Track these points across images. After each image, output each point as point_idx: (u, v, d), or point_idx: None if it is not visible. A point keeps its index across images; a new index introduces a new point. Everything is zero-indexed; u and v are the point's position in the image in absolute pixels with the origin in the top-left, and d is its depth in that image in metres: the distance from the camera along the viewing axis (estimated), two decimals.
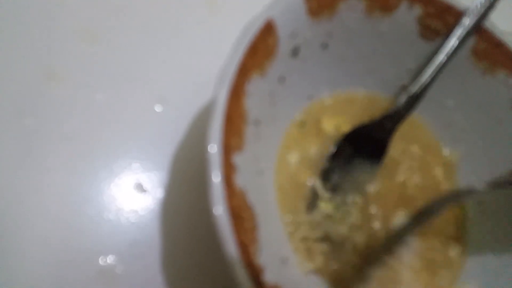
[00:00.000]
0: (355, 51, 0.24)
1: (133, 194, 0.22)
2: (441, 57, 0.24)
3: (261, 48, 0.19)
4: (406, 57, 0.25)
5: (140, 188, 0.22)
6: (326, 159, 0.23)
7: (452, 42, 0.24)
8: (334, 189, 0.23)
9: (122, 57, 0.25)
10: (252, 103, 0.19)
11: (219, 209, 0.16)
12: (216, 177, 0.16)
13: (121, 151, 0.23)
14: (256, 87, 0.19)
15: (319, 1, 0.21)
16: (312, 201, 0.22)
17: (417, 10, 0.24)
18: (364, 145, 0.24)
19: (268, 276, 0.16)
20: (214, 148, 0.16)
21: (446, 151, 0.27)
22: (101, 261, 0.21)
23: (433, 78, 0.24)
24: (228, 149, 0.17)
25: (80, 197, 0.22)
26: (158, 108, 0.24)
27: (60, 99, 0.23)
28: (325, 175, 0.23)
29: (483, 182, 0.26)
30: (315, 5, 0.21)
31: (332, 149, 0.24)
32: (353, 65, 0.25)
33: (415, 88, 0.23)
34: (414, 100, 0.23)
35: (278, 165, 0.22)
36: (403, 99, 0.24)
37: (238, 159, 0.18)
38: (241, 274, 0.15)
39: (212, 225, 0.16)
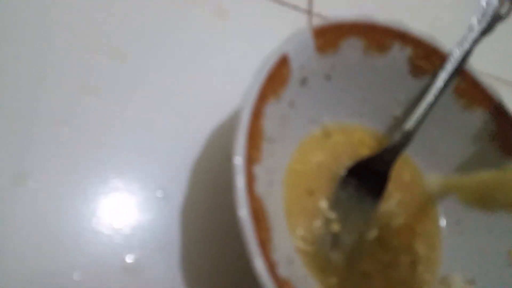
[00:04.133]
0: (354, 83, 0.28)
1: (156, 199, 0.25)
2: (429, 97, 0.27)
3: (276, 77, 0.22)
4: (397, 91, 0.29)
5: (162, 193, 0.25)
6: (334, 189, 0.26)
7: (438, 84, 0.27)
8: (341, 215, 0.26)
9: (147, 75, 0.27)
10: (268, 123, 0.22)
11: (243, 211, 0.18)
12: (240, 184, 0.19)
13: (146, 159, 0.25)
14: (271, 110, 0.23)
15: (325, 39, 0.25)
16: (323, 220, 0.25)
17: (408, 51, 0.28)
18: (367, 176, 0.27)
19: (281, 271, 0.19)
20: (239, 160, 0.19)
21: (429, 177, 0.30)
22: (126, 260, 0.23)
23: (424, 116, 0.27)
24: (249, 161, 0.20)
25: (107, 201, 0.24)
26: (179, 122, 0.27)
27: (92, 111, 0.25)
28: (335, 200, 0.26)
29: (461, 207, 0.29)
30: (322, 43, 0.25)
31: (338, 178, 0.27)
32: (351, 95, 0.28)
33: (409, 125, 0.27)
34: (409, 136, 0.27)
35: (286, 178, 0.25)
36: (398, 135, 0.27)
37: (257, 170, 0.20)
38: (260, 267, 0.18)
39: (235, 225, 0.18)
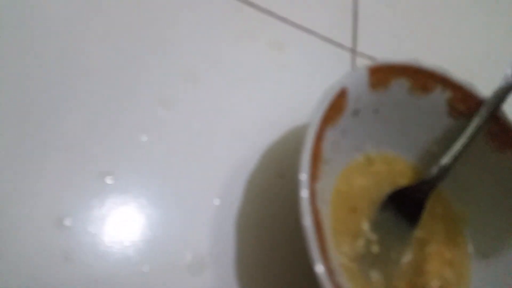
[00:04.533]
0: (398, 118, 0.31)
1: (215, 205, 0.27)
2: (465, 138, 0.30)
3: (336, 107, 0.25)
4: (435, 129, 0.32)
5: (219, 202, 0.27)
6: (375, 212, 0.29)
7: (473, 126, 0.30)
8: (381, 236, 0.28)
9: (214, 96, 0.31)
10: (325, 146, 0.25)
11: (308, 220, 0.21)
12: (305, 196, 0.21)
13: (207, 169, 0.28)
14: (329, 135, 0.25)
15: (378, 77, 0.28)
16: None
17: (448, 94, 0.31)
18: (405, 203, 0.29)
19: (337, 279, 0.21)
20: (304, 176, 0.22)
21: (457, 209, 0.32)
22: (185, 260, 0.25)
23: (460, 154, 0.30)
24: (313, 178, 0.22)
25: (168, 205, 0.27)
26: (237, 139, 0.30)
27: (168, 122, 0.28)
28: (376, 223, 0.28)
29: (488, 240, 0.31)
30: (375, 80, 0.28)
31: (378, 203, 0.29)
32: (394, 129, 0.31)
33: (445, 161, 0.29)
34: (445, 171, 0.29)
35: (332, 198, 0.28)
36: (436, 169, 0.29)
37: (316, 186, 0.23)
38: (322, 272, 0.20)
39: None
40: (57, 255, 0.23)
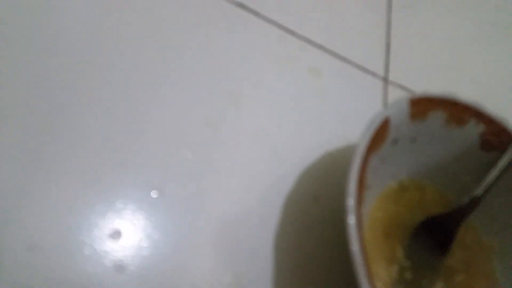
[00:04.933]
0: (432, 148, 0.32)
1: (253, 223, 0.28)
2: (496, 171, 0.30)
3: (379, 135, 0.26)
4: (467, 160, 0.33)
5: (258, 219, 0.28)
6: (408, 239, 0.30)
7: (505, 160, 0.31)
8: (414, 263, 0.29)
9: (254, 118, 0.32)
10: (367, 173, 0.26)
11: (356, 245, 0.22)
12: (352, 222, 0.22)
13: (246, 187, 0.29)
14: (371, 162, 0.26)
15: (418, 109, 0.29)
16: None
17: (481, 127, 0.32)
18: (436, 231, 0.30)
19: None
20: (351, 202, 0.23)
21: (486, 239, 0.33)
22: (226, 277, 0.26)
23: (491, 186, 0.30)
24: (359, 203, 0.23)
25: (210, 217, 0.28)
26: (275, 161, 0.31)
27: (210, 141, 0.29)
28: (408, 250, 0.29)
29: None
30: (415, 111, 0.29)
31: (411, 230, 0.30)
32: (428, 158, 0.32)
33: (477, 192, 0.30)
34: (477, 201, 0.30)
35: (368, 222, 0.28)
36: (468, 199, 0.30)
37: (362, 212, 0.24)
38: None
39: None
40: (108, 267, 0.24)
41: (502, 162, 0.31)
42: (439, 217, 0.30)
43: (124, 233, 0.25)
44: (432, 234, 0.30)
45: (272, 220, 0.29)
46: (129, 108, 0.28)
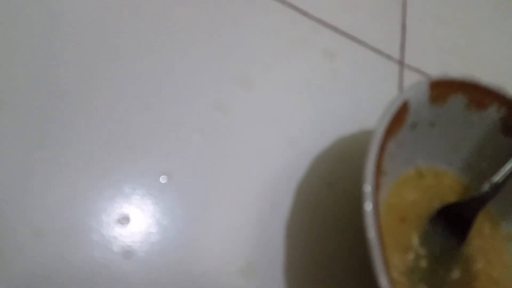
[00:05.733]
0: (451, 133, 0.30)
1: (265, 210, 0.27)
2: None
3: (398, 119, 0.25)
4: (487, 145, 0.31)
5: (270, 207, 0.28)
6: (424, 226, 0.29)
7: None
8: (429, 251, 0.28)
9: (267, 102, 0.31)
10: (385, 158, 0.25)
11: (372, 233, 0.21)
12: (369, 208, 0.21)
13: (258, 175, 0.28)
14: (389, 147, 0.25)
15: (438, 92, 0.28)
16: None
17: (503, 111, 0.30)
18: (454, 219, 0.29)
19: None
20: (368, 188, 0.22)
21: (505, 228, 0.32)
22: (236, 264, 0.25)
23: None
24: (376, 189, 0.22)
25: (223, 208, 0.27)
26: (288, 146, 0.30)
27: (221, 125, 0.28)
28: (424, 237, 0.28)
29: None
30: (435, 94, 0.28)
31: (427, 217, 0.29)
32: (447, 143, 0.31)
33: (498, 178, 0.29)
34: (497, 188, 0.29)
35: (383, 210, 0.27)
36: (487, 186, 0.29)
37: (379, 198, 0.23)
38: (385, 286, 0.20)
39: (362, 245, 0.21)
40: (116, 252, 0.23)
41: None
42: (456, 205, 0.29)
43: (133, 219, 0.24)
44: (449, 223, 0.29)
45: (284, 206, 0.28)
46: (138, 91, 0.27)
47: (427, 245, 0.28)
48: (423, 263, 0.28)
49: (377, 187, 0.23)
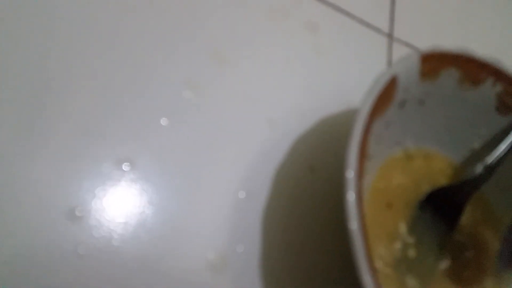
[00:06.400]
0: (442, 111, 0.28)
1: (240, 198, 0.25)
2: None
3: (385, 97, 0.23)
4: (480, 124, 0.29)
5: (245, 193, 0.25)
6: (412, 212, 0.27)
7: None
8: (418, 239, 0.26)
9: (243, 80, 0.28)
10: (370, 141, 0.23)
11: (354, 224, 0.18)
12: (351, 197, 0.19)
13: (232, 160, 0.26)
14: (375, 128, 0.23)
15: (430, 66, 0.25)
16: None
17: (499, 87, 0.28)
18: (444, 204, 0.27)
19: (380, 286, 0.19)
20: (351, 173, 0.20)
21: (499, 213, 0.30)
22: (208, 256, 0.23)
23: (506, 155, 0.27)
24: (360, 175, 0.20)
25: (192, 195, 0.24)
26: (266, 128, 0.28)
27: (192, 107, 0.26)
28: (412, 225, 0.26)
29: None
30: (426, 69, 0.25)
31: (415, 202, 0.27)
32: (437, 123, 0.28)
33: (491, 160, 0.27)
34: (490, 171, 0.27)
35: (369, 195, 0.25)
36: (480, 169, 0.27)
37: (363, 185, 0.21)
38: (368, 282, 0.18)
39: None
40: (68, 248, 0.21)
41: None
42: (446, 189, 0.27)
43: (89, 210, 0.21)
44: (439, 208, 0.27)
45: (261, 194, 0.26)
46: (97, 70, 0.24)
47: (415, 233, 0.26)
48: (411, 252, 0.26)
49: (361, 172, 0.21)
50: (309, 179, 0.28)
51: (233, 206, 0.25)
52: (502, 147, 0.27)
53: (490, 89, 0.28)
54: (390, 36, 0.37)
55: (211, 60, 0.28)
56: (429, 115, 0.28)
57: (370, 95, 0.22)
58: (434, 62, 0.25)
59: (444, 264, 0.27)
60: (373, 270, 0.18)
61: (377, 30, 0.36)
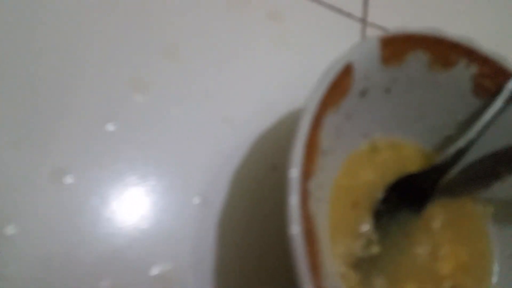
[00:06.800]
0: (413, 98, 0.26)
1: (194, 205, 0.24)
2: (486, 117, 0.25)
3: (338, 87, 0.21)
4: (456, 109, 0.27)
5: (200, 200, 0.24)
6: (376, 204, 0.25)
7: (499, 103, 0.25)
8: (382, 234, 0.24)
9: (198, 76, 0.26)
10: (324, 135, 0.21)
11: (296, 229, 0.17)
12: (293, 199, 0.17)
13: (187, 163, 0.24)
14: (329, 121, 0.21)
15: (392, 50, 0.23)
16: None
17: (473, 69, 0.26)
18: (411, 194, 0.25)
19: None
20: (295, 173, 0.18)
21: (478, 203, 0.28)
22: (157, 268, 0.22)
23: (478, 136, 0.25)
24: (306, 175, 0.18)
25: (142, 204, 0.23)
26: (224, 127, 0.26)
27: (140, 108, 0.24)
28: (376, 218, 0.24)
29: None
30: (388, 54, 0.23)
31: (380, 195, 0.25)
32: (408, 111, 0.26)
33: (461, 143, 0.25)
34: (460, 154, 0.25)
35: (332, 193, 0.24)
36: (449, 152, 0.25)
37: (310, 185, 0.19)
38: None
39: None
40: None
41: (493, 107, 0.25)
42: (413, 176, 0.25)
43: (21, 226, 0.20)
44: (406, 199, 0.25)
45: (218, 199, 0.24)
46: (33, 74, 0.23)
47: (380, 228, 0.24)
48: (376, 249, 0.24)
49: (309, 171, 0.19)
50: (272, 179, 0.26)
51: (187, 215, 0.23)
52: (473, 131, 0.25)
53: (464, 71, 0.26)
54: (363, 21, 0.34)
55: (162, 57, 0.26)
56: (397, 103, 0.26)
57: (320, 86, 0.20)
58: (397, 46, 0.23)
59: (416, 258, 0.25)
60: (319, 281, 0.17)
61: (349, 15, 0.34)
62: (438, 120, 0.27)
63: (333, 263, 0.22)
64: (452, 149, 0.25)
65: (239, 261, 0.23)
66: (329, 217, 0.23)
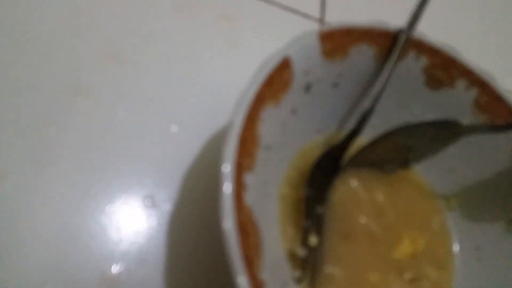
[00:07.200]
0: (363, 92, 0.26)
1: (143, 207, 0.23)
2: (385, 73, 0.24)
3: (276, 81, 0.21)
4: (411, 103, 0.27)
5: (150, 202, 0.23)
6: (304, 189, 0.24)
7: (394, 57, 0.25)
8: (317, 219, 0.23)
9: (144, 79, 0.26)
10: (265, 129, 0.21)
11: (228, 222, 0.17)
12: (226, 192, 0.17)
13: (134, 166, 0.24)
14: (269, 115, 0.21)
15: (333, 44, 0.23)
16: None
17: (424, 61, 0.26)
18: (332, 167, 0.25)
19: None
20: (227, 167, 0.18)
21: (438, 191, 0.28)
22: (106, 270, 0.21)
23: (380, 94, 0.25)
24: (240, 168, 0.18)
25: (91, 207, 0.23)
26: (174, 129, 0.26)
27: (83, 112, 0.24)
28: (308, 205, 0.23)
29: (478, 228, 0.27)
30: (329, 48, 0.23)
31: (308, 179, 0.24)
32: (360, 105, 0.26)
33: (366, 104, 0.24)
34: (366, 115, 0.24)
35: (281, 189, 0.23)
36: (358, 115, 0.25)
37: (249, 179, 0.19)
38: (244, 285, 0.16)
39: (219, 238, 0.17)
40: None
41: (390, 62, 0.24)
42: (331, 149, 0.25)
43: None
44: (328, 177, 0.24)
45: (167, 200, 0.24)
46: None
47: (311, 214, 0.23)
48: (313, 240, 0.23)
49: (246, 165, 0.19)
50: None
51: (136, 219, 0.23)
52: (375, 90, 0.25)
53: (414, 64, 0.26)
54: (321, 21, 0.35)
55: (105, 59, 0.26)
56: (347, 97, 0.26)
57: (254, 80, 0.20)
58: (338, 40, 0.23)
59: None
60: (254, 277, 0.16)
61: (306, 15, 0.34)
62: (393, 113, 0.27)
63: (282, 256, 0.21)
64: (360, 113, 0.24)
65: (190, 260, 0.23)
66: (279, 212, 0.23)
